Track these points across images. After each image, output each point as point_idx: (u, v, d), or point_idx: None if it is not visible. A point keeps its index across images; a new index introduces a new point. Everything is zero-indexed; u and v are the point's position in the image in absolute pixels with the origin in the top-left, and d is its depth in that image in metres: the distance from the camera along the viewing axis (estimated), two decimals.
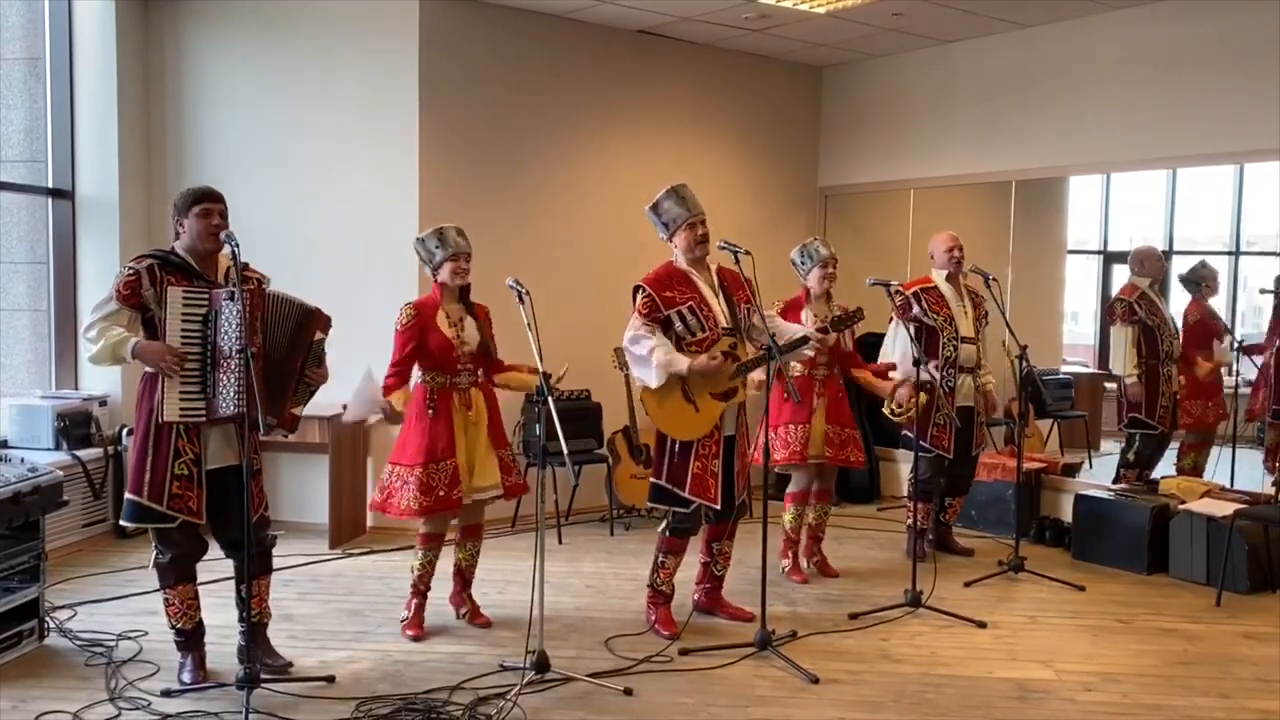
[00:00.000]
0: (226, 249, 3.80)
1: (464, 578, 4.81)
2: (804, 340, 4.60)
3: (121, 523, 3.97)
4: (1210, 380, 6.53)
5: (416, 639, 4.58)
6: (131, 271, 3.82)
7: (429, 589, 4.71)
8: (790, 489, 5.63)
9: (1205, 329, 6.57)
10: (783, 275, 5.71)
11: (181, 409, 3.78)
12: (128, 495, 3.88)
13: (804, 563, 5.69)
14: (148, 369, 3.84)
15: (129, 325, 3.83)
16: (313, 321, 4.00)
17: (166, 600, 4.01)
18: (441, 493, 4.48)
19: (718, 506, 4.54)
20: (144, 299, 3.81)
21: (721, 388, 4.50)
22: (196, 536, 4.00)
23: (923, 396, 5.45)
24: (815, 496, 5.67)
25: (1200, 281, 6.61)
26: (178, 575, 3.98)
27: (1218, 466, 6.47)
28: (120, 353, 3.77)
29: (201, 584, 4.11)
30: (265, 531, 4.10)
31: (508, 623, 4.79)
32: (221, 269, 3.95)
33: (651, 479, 4.66)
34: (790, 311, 5.46)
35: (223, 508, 3.92)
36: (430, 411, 4.52)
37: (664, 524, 4.70)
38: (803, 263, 5.54)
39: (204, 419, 3.81)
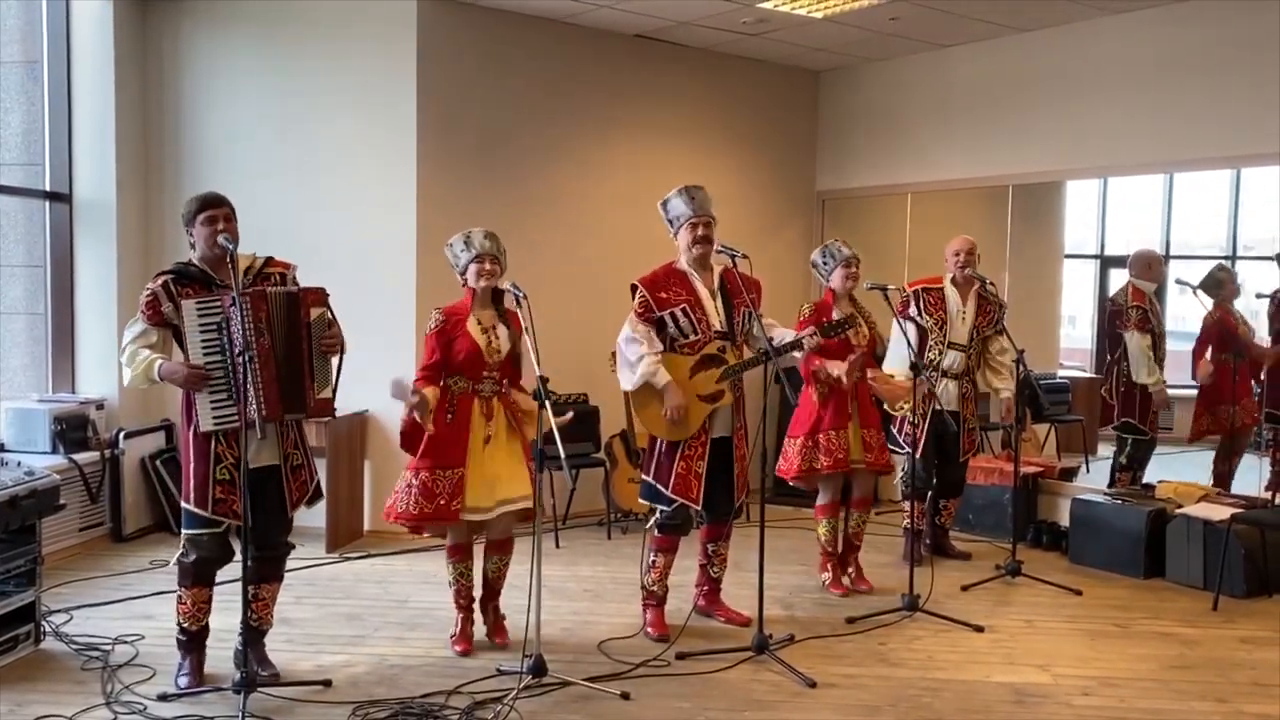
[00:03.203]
0: (246, 250, 3.86)
1: (491, 588, 4.61)
2: (797, 344, 4.61)
3: (184, 532, 3.99)
4: (1236, 382, 6.43)
5: (464, 654, 4.43)
6: (149, 292, 3.87)
7: (472, 601, 4.58)
8: (820, 501, 5.46)
9: (1230, 333, 6.39)
10: (780, 278, 5.74)
11: (215, 418, 3.83)
12: (183, 504, 3.96)
13: (829, 573, 5.54)
14: None
15: (160, 344, 3.90)
16: (299, 303, 3.94)
17: (179, 598, 4.01)
18: (442, 501, 4.33)
19: (698, 506, 4.57)
20: (165, 316, 3.86)
21: (708, 390, 4.52)
22: (225, 543, 4.00)
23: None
24: (855, 504, 5.52)
25: (1221, 285, 6.46)
26: (197, 578, 4.00)
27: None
28: (150, 374, 3.85)
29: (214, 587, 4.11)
30: (285, 536, 4.11)
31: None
32: (241, 269, 3.92)
33: (642, 476, 4.70)
34: (821, 314, 5.29)
35: (258, 507, 3.91)
36: (449, 416, 4.39)
37: (651, 521, 4.72)
38: (825, 263, 5.41)
39: (238, 424, 3.83)
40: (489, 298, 4.49)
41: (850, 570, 5.59)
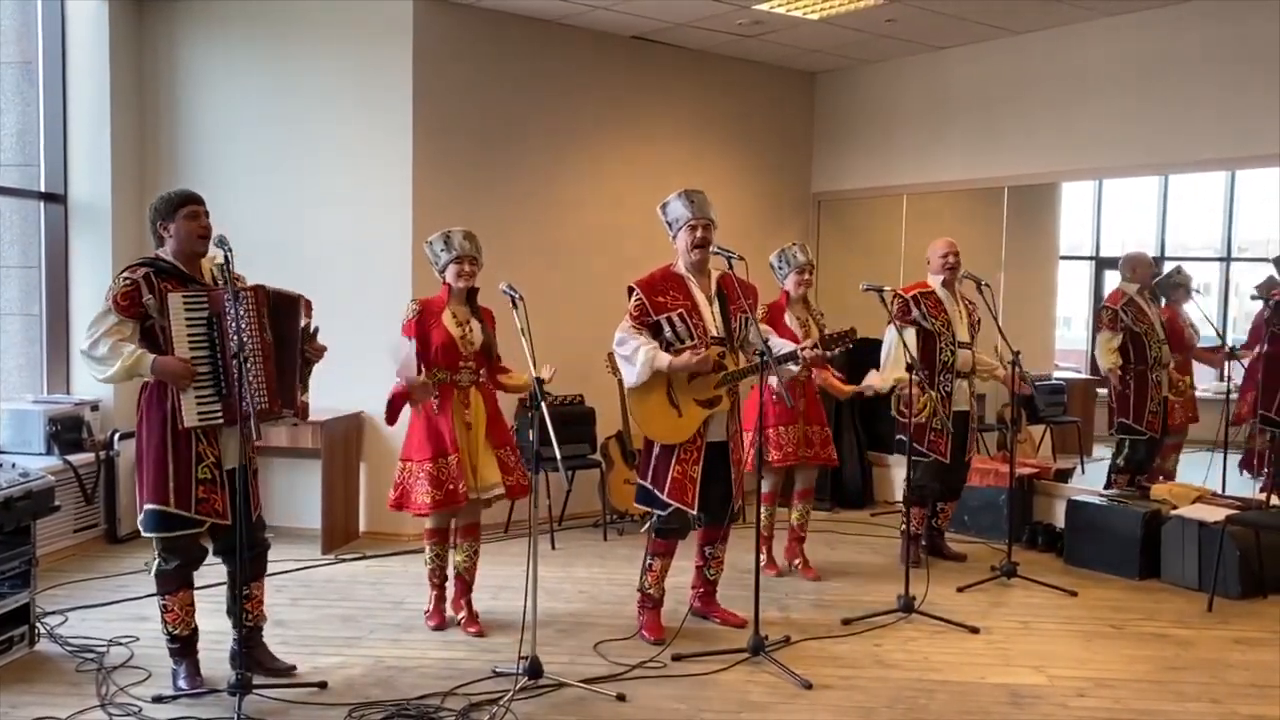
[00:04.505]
0: (217, 252, 3.81)
1: (464, 581, 4.85)
2: (792, 355, 4.61)
3: (144, 534, 3.94)
4: (1176, 384, 6.57)
5: (438, 628, 4.78)
6: (129, 281, 3.80)
7: (445, 580, 4.88)
8: (762, 490, 5.58)
9: (1175, 334, 6.58)
10: (775, 279, 5.74)
11: (200, 413, 3.79)
12: (150, 506, 3.84)
13: (782, 561, 5.86)
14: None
15: (131, 336, 3.81)
16: (300, 308, 4.05)
17: (165, 607, 3.98)
18: (450, 487, 4.59)
19: (694, 511, 4.56)
20: (145, 308, 3.80)
21: (706, 395, 4.51)
22: (198, 543, 3.99)
23: (931, 396, 5.46)
24: (798, 496, 5.82)
25: (1176, 287, 6.65)
26: (179, 582, 3.97)
27: (1209, 471, 6.49)
28: (138, 370, 3.77)
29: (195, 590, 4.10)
30: (262, 533, 4.12)
31: (501, 628, 4.78)
32: (206, 271, 3.96)
33: (637, 480, 4.70)
34: (773, 316, 5.55)
35: (235, 508, 3.91)
36: (435, 406, 4.64)
37: (648, 525, 4.72)
38: (780, 267, 5.69)
39: (222, 421, 3.82)
40: (464, 294, 4.73)
41: (797, 560, 5.84)
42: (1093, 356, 6.85)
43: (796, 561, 5.82)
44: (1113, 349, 6.32)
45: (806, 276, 5.67)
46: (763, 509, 5.61)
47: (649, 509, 4.66)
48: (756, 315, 4.64)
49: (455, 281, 4.66)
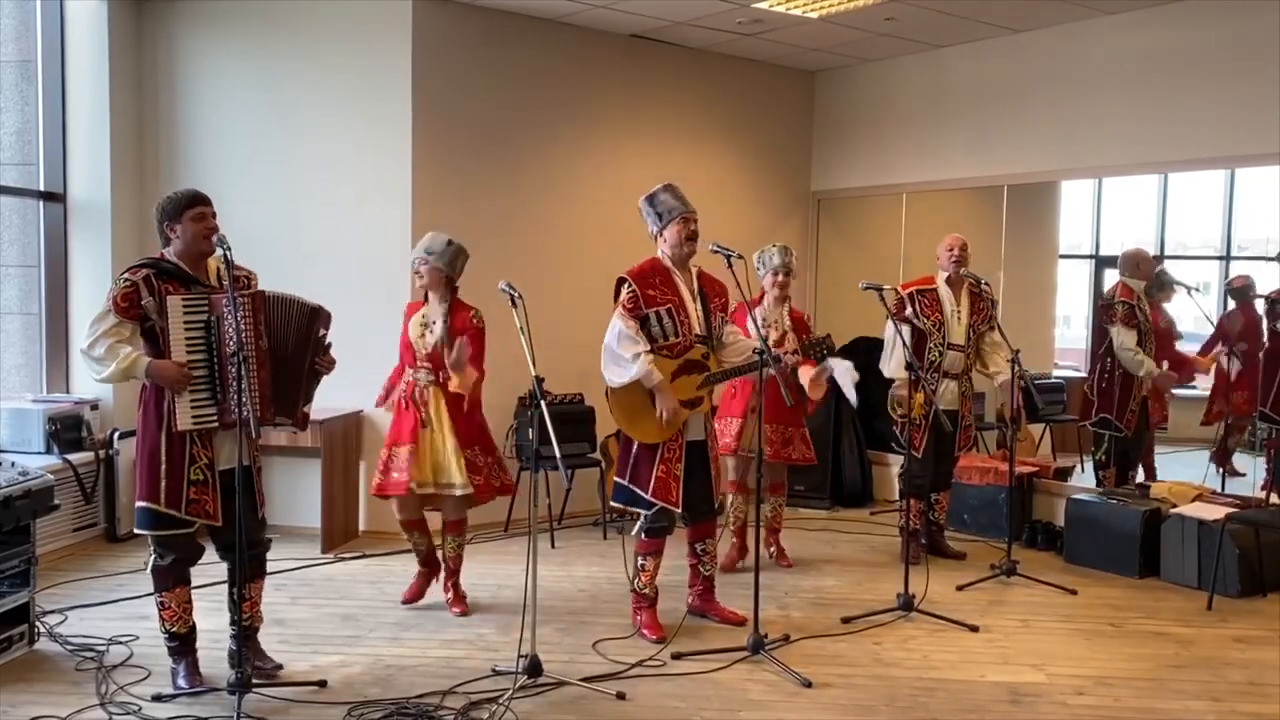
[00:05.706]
0: (218, 251, 3.80)
1: (449, 566, 5.08)
2: (774, 358, 4.62)
3: (136, 531, 3.94)
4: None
5: (406, 602, 5.09)
6: (128, 283, 3.79)
7: (427, 562, 5.12)
8: (731, 478, 5.81)
9: (1161, 335, 6.53)
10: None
11: (194, 417, 3.80)
12: (142, 503, 3.85)
13: (762, 551, 5.83)
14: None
15: (131, 338, 3.82)
16: (317, 320, 4.06)
17: (162, 604, 3.98)
18: (396, 475, 4.83)
19: (678, 509, 4.57)
20: (144, 310, 3.79)
21: (688, 395, 4.52)
22: (195, 542, 3.99)
23: (920, 396, 5.48)
24: (770, 490, 5.82)
25: (1164, 287, 6.65)
26: (177, 578, 3.97)
27: (1208, 470, 6.50)
28: (133, 373, 3.78)
29: (192, 588, 4.10)
30: (263, 534, 4.12)
31: (500, 626, 4.79)
32: (212, 271, 3.96)
33: (615, 477, 4.69)
34: (737, 316, 5.45)
35: (228, 509, 3.92)
36: (402, 401, 4.92)
37: (637, 527, 4.71)
38: (758, 267, 5.74)
39: (217, 424, 3.82)
40: (439, 295, 4.87)
41: (773, 549, 5.96)
42: (1092, 354, 6.82)
43: (772, 550, 5.93)
44: (1136, 345, 6.20)
45: (781, 279, 5.65)
46: (734, 498, 5.82)
47: (630, 509, 4.67)
48: (726, 313, 4.69)
49: (419, 282, 4.91)
